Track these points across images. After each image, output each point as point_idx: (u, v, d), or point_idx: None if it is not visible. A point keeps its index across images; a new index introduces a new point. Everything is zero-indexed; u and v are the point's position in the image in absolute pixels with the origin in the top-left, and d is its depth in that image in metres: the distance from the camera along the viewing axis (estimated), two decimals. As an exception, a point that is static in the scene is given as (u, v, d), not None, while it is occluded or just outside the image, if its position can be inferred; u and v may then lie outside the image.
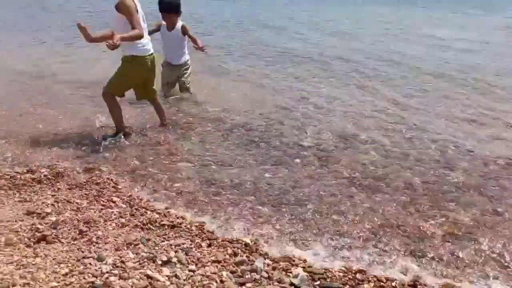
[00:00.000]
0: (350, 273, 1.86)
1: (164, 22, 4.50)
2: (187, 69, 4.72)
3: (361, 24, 11.12)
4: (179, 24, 4.51)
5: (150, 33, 4.64)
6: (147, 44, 3.36)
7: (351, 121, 4.24)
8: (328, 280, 1.79)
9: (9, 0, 12.45)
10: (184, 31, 4.53)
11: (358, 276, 1.84)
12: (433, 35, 9.36)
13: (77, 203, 2.21)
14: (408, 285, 1.82)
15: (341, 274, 1.85)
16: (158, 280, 1.61)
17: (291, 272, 1.79)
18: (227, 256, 1.86)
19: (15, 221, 1.99)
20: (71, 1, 12.71)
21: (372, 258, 2.02)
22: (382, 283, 1.80)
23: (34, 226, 1.94)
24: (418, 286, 1.81)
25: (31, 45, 7.14)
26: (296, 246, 2.07)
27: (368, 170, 3.15)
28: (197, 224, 2.13)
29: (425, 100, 5.03)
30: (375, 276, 1.84)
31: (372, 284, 1.77)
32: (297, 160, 3.27)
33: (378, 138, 3.81)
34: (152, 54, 3.40)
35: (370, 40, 8.99)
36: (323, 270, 1.85)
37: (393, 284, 1.81)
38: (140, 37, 3.15)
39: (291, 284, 1.71)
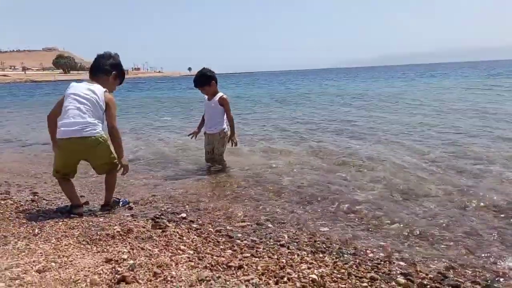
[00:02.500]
0: (423, 304, 1.81)
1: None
2: (220, 139, 4.85)
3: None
4: (219, 94, 4.83)
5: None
6: (63, 126, 3.12)
7: (401, 175, 4.29)
8: (402, 310, 1.75)
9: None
10: (221, 102, 4.78)
11: (433, 306, 1.78)
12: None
13: (149, 249, 2.37)
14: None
15: (414, 305, 1.80)
16: (233, 307, 1.67)
17: (362, 303, 1.78)
18: (296, 289, 1.89)
19: (97, 266, 2.15)
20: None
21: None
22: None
23: (114, 269, 2.10)
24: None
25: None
26: (364, 283, 2.04)
27: (426, 220, 3.10)
28: (262, 265, 2.19)
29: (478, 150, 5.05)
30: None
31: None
32: (352, 215, 3.29)
33: (432, 189, 3.80)
34: (69, 138, 3.10)
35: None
36: (395, 300, 1.82)
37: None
38: (48, 120, 3.29)
39: (364, 311, 1.70)
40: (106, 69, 3.42)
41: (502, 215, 3.12)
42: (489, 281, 2.08)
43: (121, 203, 3.56)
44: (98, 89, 3.26)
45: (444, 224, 2.99)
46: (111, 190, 3.48)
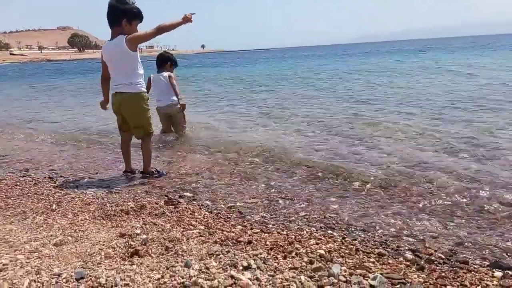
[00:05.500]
0: (431, 279, 1.82)
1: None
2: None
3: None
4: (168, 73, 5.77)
5: None
6: (113, 83, 3.64)
7: (415, 151, 4.24)
8: (408, 285, 1.77)
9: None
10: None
11: (440, 281, 1.79)
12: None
13: (161, 225, 2.44)
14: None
15: (421, 280, 1.82)
16: (241, 280, 1.72)
17: (368, 277, 1.80)
18: (304, 264, 1.92)
19: (111, 240, 2.23)
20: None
21: (454, 270, 1.96)
22: (465, 287, 1.74)
23: (127, 243, 2.17)
24: None
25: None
26: (371, 258, 2.07)
27: (438, 197, 3.08)
28: (271, 240, 2.23)
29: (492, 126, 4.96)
30: (457, 281, 1.79)
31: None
32: (363, 192, 3.29)
33: (445, 164, 3.76)
34: (116, 92, 3.57)
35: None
36: (403, 275, 1.84)
37: (479, 288, 1.74)
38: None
39: (370, 286, 1.72)
40: (114, 21, 3.47)
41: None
42: (498, 258, 2.08)
43: (156, 173, 3.78)
44: (118, 41, 3.43)
45: (455, 201, 2.97)
46: (146, 158, 3.78)
